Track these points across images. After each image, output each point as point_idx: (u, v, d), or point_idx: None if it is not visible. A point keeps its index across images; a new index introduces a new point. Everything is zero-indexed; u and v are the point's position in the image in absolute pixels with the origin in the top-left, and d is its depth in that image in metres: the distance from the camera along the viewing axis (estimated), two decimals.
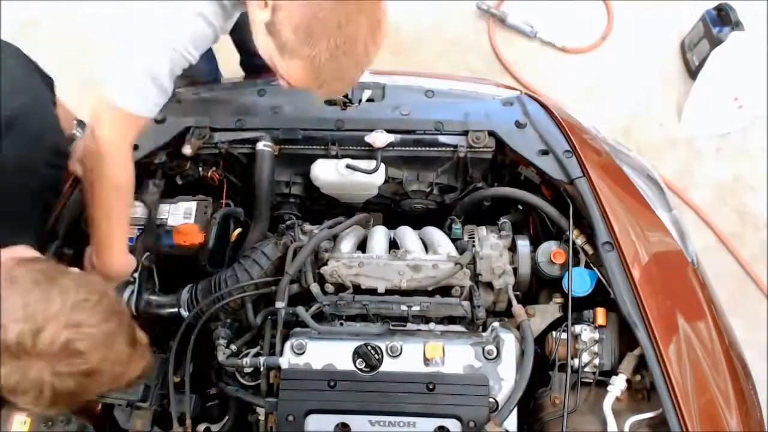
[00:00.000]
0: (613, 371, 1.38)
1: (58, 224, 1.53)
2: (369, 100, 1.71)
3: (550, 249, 1.54)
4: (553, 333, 1.45)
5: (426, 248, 1.61)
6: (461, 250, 1.58)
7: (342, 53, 1.05)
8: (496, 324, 1.42)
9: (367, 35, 1.06)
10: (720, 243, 2.68)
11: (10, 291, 0.95)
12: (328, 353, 1.34)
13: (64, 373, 0.95)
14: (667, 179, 2.70)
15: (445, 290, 1.51)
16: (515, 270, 1.53)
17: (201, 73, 1.96)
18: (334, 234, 1.59)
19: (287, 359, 1.35)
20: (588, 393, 1.38)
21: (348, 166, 1.64)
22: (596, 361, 1.39)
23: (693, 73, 2.93)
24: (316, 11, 1.03)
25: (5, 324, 0.91)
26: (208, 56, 2.23)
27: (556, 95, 2.71)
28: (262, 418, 1.41)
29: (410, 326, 1.47)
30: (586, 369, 1.39)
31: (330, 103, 1.69)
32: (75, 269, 1.13)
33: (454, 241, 1.63)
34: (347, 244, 1.61)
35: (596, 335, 1.41)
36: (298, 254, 1.49)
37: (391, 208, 1.88)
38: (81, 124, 1.64)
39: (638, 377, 1.37)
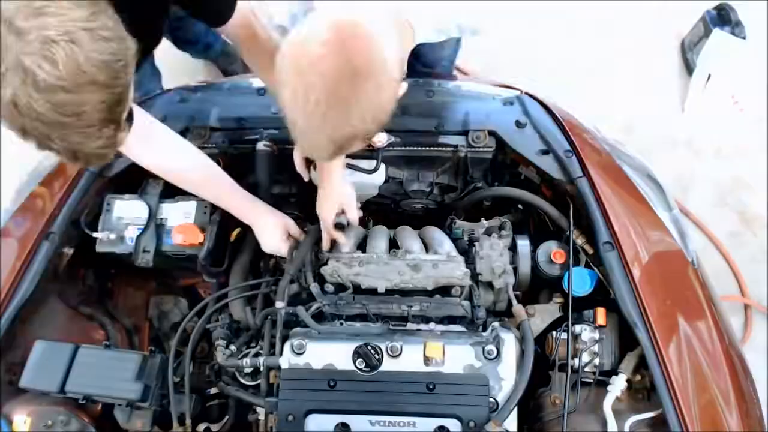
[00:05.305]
0: (613, 371, 1.38)
1: (57, 224, 1.53)
2: None
3: (550, 249, 1.54)
4: (553, 333, 1.45)
5: (426, 248, 1.61)
6: (461, 250, 1.58)
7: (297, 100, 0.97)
8: (496, 324, 1.42)
9: (325, 92, 0.95)
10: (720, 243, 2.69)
11: None
12: (328, 353, 1.34)
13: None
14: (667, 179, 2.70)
15: (445, 290, 1.51)
16: (515, 270, 1.53)
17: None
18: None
19: (287, 359, 1.35)
20: (588, 393, 1.38)
21: (348, 166, 1.64)
22: (596, 361, 1.39)
23: (693, 72, 2.93)
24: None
25: None
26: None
27: (556, 95, 2.71)
28: (262, 418, 1.41)
29: (410, 326, 1.47)
30: (586, 369, 1.39)
31: None
32: None
33: (454, 240, 1.63)
34: (347, 244, 1.61)
35: (596, 335, 1.41)
36: (297, 252, 1.49)
37: (391, 208, 1.87)
38: None
39: (638, 377, 1.37)
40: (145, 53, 1.35)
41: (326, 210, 1.53)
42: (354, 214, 1.56)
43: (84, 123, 0.90)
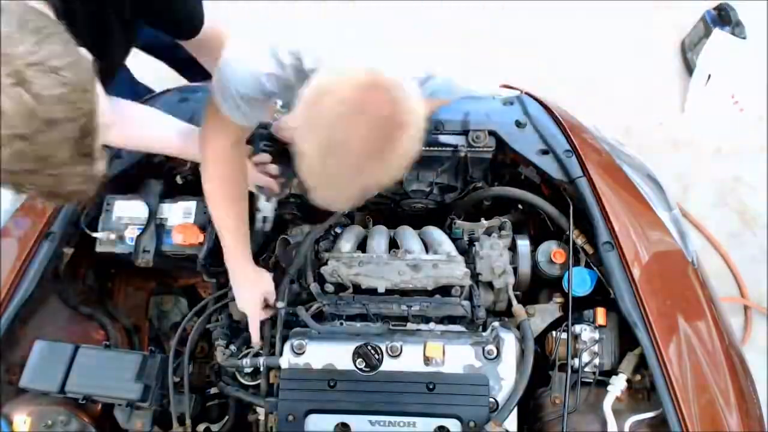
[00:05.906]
0: (613, 371, 1.38)
1: (57, 224, 1.53)
2: None
3: (550, 249, 1.55)
4: (553, 333, 1.45)
5: (426, 248, 1.61)
6: (461, 250, 1.58)
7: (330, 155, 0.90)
8: (496, 324, 1.42)
9: (363, 146, 0.88)
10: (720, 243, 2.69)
11: None
12: (328, 353, 1.35)
13: None
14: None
15: (445, 290, 1.51)
16: (515, 269, 1.53)
17: None
18: (326, 227, 1.58)
19: (287, 359, 1.35)
20: (588, 393, 1.38)
21: None
22: (596, 361, 1.39)
23: (693, 72, 2.93)
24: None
25: None
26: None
27: (556, 95, 2.71)
28: (262, 418, 1.41)
29: (410, 326, 1.47)
30: (586, 369, 1.39)
31: None
32: None
33: (454, 240, 1.63)
34: (347, 244, 1.61)
35: (596, 335, 1.41)
36: (297, 253, 1.49)
37: (391, 208, 1.87)
38: None
39: (638, 377, 1.37)
40: (114, 67, 1.25)
41: (250, 302, 1.45)
42: (274, 299, 1.48)
43: (53, 165, 0.81)
